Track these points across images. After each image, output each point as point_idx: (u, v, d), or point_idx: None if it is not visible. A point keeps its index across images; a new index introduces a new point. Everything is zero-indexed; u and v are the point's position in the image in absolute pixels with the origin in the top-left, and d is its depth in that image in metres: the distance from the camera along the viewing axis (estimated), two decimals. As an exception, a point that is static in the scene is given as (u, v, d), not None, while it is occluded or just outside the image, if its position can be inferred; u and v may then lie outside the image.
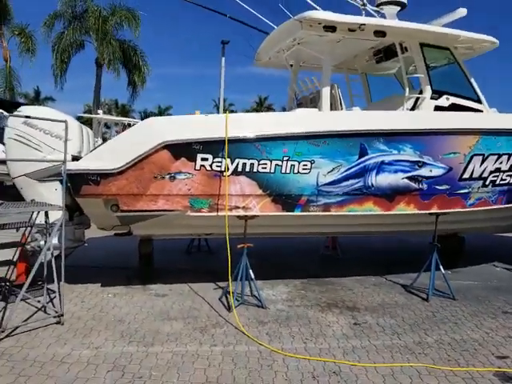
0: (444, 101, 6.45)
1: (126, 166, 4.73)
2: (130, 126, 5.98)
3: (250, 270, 5.36)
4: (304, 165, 5.28)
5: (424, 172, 5.73)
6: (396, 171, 5.62)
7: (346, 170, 5.43)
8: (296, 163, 5.25)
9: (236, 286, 5.31)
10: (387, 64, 7.57)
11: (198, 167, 4.98)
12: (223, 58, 20.77)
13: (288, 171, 5.25)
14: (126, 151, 4.73)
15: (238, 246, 5.20)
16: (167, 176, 4.92)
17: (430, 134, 5.66)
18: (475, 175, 5.99)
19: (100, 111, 7.02)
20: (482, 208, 6.22)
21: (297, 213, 5.42)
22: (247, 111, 51.60)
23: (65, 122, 4.33)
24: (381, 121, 5.56)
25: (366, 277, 6.98)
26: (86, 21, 21.36)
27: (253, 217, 5.29)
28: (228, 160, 5.00)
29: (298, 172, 5.28)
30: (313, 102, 7.03)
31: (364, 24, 5.80)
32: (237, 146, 5.02)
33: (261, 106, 57.55)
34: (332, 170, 5.39)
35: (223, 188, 5.07)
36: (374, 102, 7.69)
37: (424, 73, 6.36)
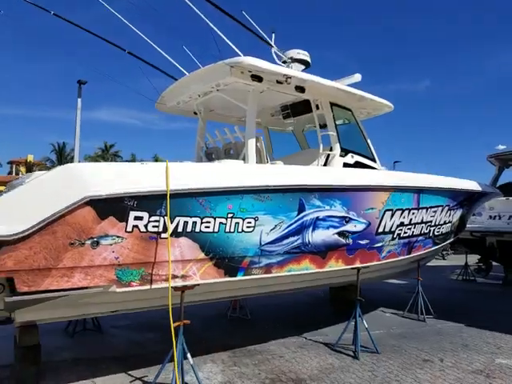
0: (350, 158, 6.80)
1: (30, 230, 3.36)
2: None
3: (189, 354, 4.37)
4: (248, 222, 4.69)
5: (350, 227, 5.77)
6: (328, 227, 5.50)
7: (286, 227, 5.05)
8: (240, 220, 4.63)
9: (172, 375, 4.21)
10: (290, 120, 7.75)
11: (129, 228, 3.90)
12: (79, 100, 18.87)
13: (232, 230, 4.58)
14: (32, 208, 3.39)
15: (174, 325, 4.19)
16: (88, 242, 3.69)
17: (356, 190, 5.78)
18: (387, 229, 6.33)
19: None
20: (392, 260, 6.59)
21: (239, 277, 4.73)
22: (91, 158, 47.94)
23: None
24: (318, 176, 5.45)
25: (286, 339, 6.61)
26: None
27: (192, 286, 4.39)
28: (165, 218, 4.07)
29: (242, 230, 4.66)
30: (227, 153, 6.59)
31: (291, 77, 5.75)
32: (178, 202, 4.15)
33: (107, 153, 54.35)
34: (274, 228, 4.93)
35: (161, 253, 4.08)
36: (279, 157, 7.68)
37: (334, 131, 6.63)
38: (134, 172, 4.03)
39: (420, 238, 7.08)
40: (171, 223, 4.13)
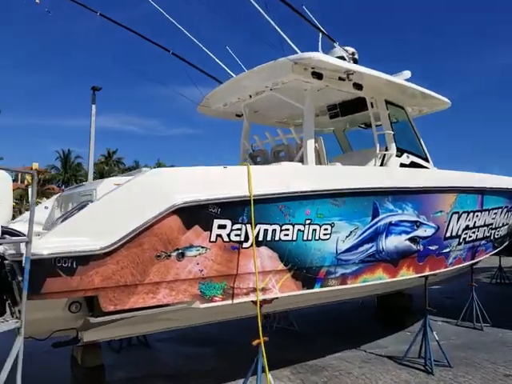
0: (405, 159, 6.45)
1: (118, 244, 3.04)
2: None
3: (270, 375, 4.02)
4: (325, 229, 4.36)
5: (421, 232, 5.43)
6: (400, 232, 5.17)
7: (361, 234, 4.72)
8: (318, 227, 4.30)
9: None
10: (337, 120, 7.42)
11: (213, 238, 3.57)
12: (93, 106, 18.65)
13: (310, 237, 4.24)
14: (118, 220, 3.07)
15: (254, 343, 3.86)
16: (174, 253, 3.36)
17: (427, 192, 5.44)
18: (454, 233, 5.98)
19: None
20: (458, 266, 6.23)
21: (316, 289, 4.39)
22: (96, 165, 47.79)
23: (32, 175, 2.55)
24: (392, 177, 5.13)
25: (343, 352, 6.24)
26: None
27: (271, 300, 4.06)
28: (248, 226, 3.75)
29: (319, 238, 4.33)
30: (276, 155, 6.27)
31: (353, 73, 5.42)
32: (259, 208, 3.82)
33: (110, 160, 54.31)
34: (349, 234, 4.60)
35: (243, 264, 3.75)
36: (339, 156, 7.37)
37: (390, 129, 6.30)
38: (217, 176, 3.70)
39: (482, 241, 6.73)
40: (252, 231, 3.80)
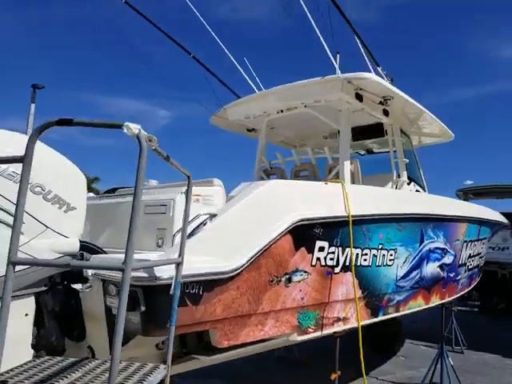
0: (412, 187, 6.64)
1: (245, 266, 2.54)
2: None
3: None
4: (390, 254, 4.20)
5: (446, 259, 5.52)
6: (435, 260, 5.20)
7: (412, 260, 4.63)
8: (386, 252, 4.12)
9: None
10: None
11: (314, 262, 3.19)
12: (33, 105, 16.79)
13: (380, 263, 4.04)
14: (244, 238, 2.57)
15: (332, 377, 3.52)
16: (283, 278, 2.92)
17: (453, 220, 5.58)
18: (463, 261, 6.20)
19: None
20: (462, 292, 6.45)
21: (380, 317, 4.17)
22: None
23: (188, 177, 2.01)
24: (434, 205, 5.15)
25: (358, 381, 6.02)
26: None
27: (348, 330, 3.75)
28: (339, 249, 3.44)
29: (386, 264, 4.15)
30: (297, 175, 6.05)
31: (392, 99, 5.44)
32: (347, 231, 3.53)
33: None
34: (405, 261, 4.49)
35: (333, 291, 3.40)
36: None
37: (404, 158, 6.44)
38: (318, 193, 3.35)
39: (475, 269, 7.08)
40: (342, 255, 3.49)
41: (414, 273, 4.70)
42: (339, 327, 3.58)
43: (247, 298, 2.64)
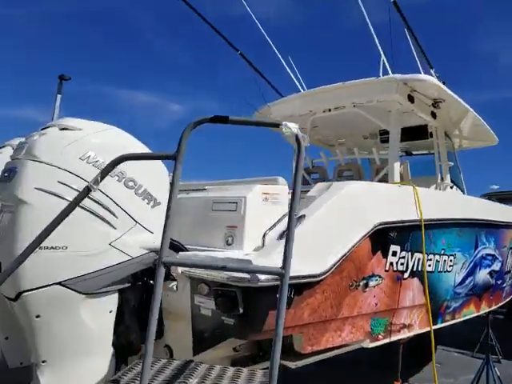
0: (455, 190, 6.48)
1: (331, 269, 2.44)
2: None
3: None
4: (450, 260, 4.08)
5: (495, 266, 5.37)
6: (486, 266, 5.06)
7: (467, 266, 4.50)
8: (446, 258, 4.00)
9: None
10: (387, 145, 7.28)
11: (387, 266, 3.09)
12: (59, 96, 16.85)
13: (442, 269, 3.92)
14: (333, 239, 2.48)
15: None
16: (361, 283, 2.82)
17: (503, 227, 5.43)
18: (508, 268, 6.04)
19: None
20: (506, 300, 6.28)
21: (438, 325, 4.04)
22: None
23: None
24: (489, 210, 5.01)
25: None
26: None
27: (409, 338, 3.64)
28: (409, 254, 3.33)
29: (446, 270, 4.03)
30: (340, 175, 5.95)
31: (443, 102, 5.31)
32: (416, 235, 3.42)
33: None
34: (462, 267, 4.36)
35: (402, 297, 3.29)
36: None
37: (447, 161, 6.29)
38: (394, 195, 3.24)
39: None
40: (410, 260, 3.38)
41: (469, 279, 4.57)
42: (405, 334, 3.47)
43: (330, 303, 2.55)
